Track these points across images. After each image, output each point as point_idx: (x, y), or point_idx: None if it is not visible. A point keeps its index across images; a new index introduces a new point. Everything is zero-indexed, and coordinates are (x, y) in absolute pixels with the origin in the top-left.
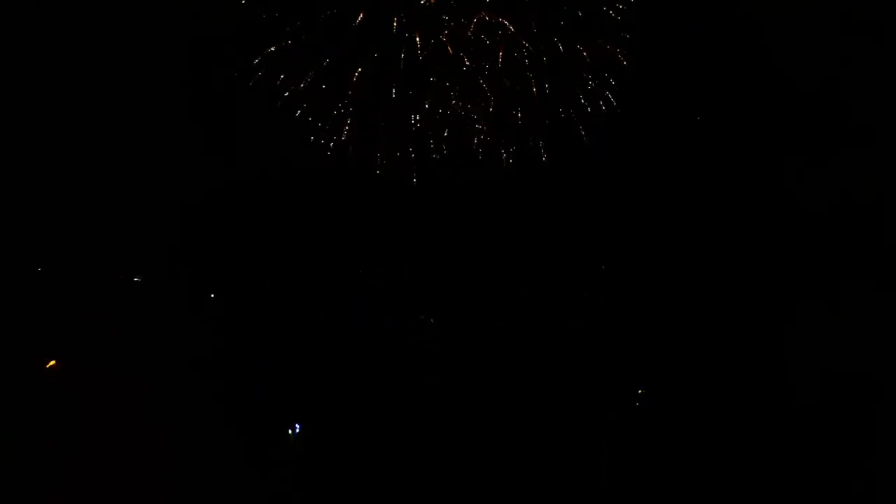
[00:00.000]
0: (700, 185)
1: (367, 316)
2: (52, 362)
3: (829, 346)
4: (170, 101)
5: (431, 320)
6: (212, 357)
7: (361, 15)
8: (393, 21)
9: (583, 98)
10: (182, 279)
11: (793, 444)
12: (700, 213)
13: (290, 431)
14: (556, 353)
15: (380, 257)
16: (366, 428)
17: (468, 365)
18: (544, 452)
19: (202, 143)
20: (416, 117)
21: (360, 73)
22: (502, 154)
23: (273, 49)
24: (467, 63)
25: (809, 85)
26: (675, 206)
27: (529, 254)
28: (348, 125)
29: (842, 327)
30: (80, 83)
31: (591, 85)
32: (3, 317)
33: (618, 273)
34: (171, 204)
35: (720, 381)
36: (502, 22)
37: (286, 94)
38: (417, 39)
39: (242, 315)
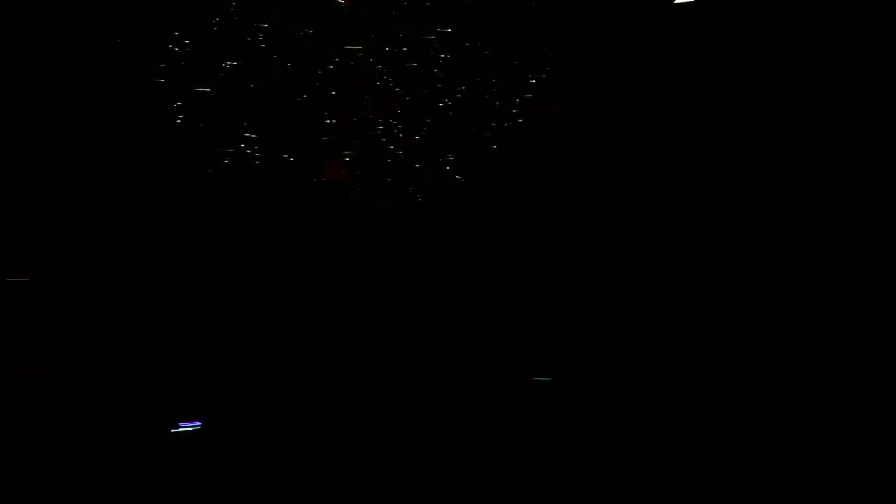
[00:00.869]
0: (699, 184)
1: (367, 316)
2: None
3: (829, 344)
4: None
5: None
6: (212, 357)
7: (268, 20)
8: (302, 27)
9: (496, 113)
10: (182, 279)
11: (792, 444)
12: (699, 213)
13: (182, 429)
14: (557, 353)
15: (380, 257)
16: (366, 428)
17: (468, 365)
18: (544, 452)
19: (192, 144)
20: (327, 128)
21: (265, 81)
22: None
23: (167, 55)
24: (383, 75)
25: (809, 85)
26: (675, 207)
27: (529, 254)
28: (248, 138)
29: (841, 325)
30: None
31: (499, 102)
32: (3, 317)
33: (617, 273)
34: (172, 204)
35: (720, 380)
36: (421, 34)
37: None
38: (329, 48)
39: (242, 315)
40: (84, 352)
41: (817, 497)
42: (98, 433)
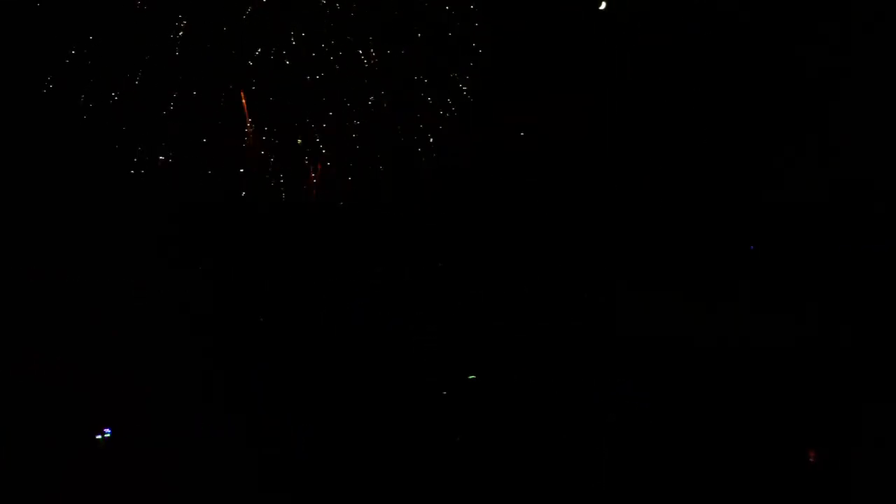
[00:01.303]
0: (698, 185)
1: (367, 316)
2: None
3: (827, 344)
4: None
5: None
6: (212, 357)
7: (185, 21)
8: (218, 28)
9: (423, 114)
10: (182, 279)
11: (791, 444)
12: (699, 214)
13: (98, 437)
14: (557, 353)
15: (380, 257)
16: (366, 428)
17: (468, 365)
18: (544, 452)
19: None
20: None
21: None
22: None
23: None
24: (305, 75)
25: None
26: (675, 207)
27: (529, 254)
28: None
29: (840, 325)
30: None
31: (430, 100)
32: (3, 317)
33: (616, 273)
34: (173, 204)
35: (721, 380)
36: (340, 32)
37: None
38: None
39: (242, 315)
40: (84, 352)
41: (817, 496)
42: (98, 433)
